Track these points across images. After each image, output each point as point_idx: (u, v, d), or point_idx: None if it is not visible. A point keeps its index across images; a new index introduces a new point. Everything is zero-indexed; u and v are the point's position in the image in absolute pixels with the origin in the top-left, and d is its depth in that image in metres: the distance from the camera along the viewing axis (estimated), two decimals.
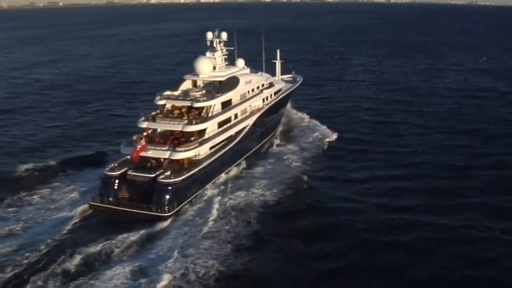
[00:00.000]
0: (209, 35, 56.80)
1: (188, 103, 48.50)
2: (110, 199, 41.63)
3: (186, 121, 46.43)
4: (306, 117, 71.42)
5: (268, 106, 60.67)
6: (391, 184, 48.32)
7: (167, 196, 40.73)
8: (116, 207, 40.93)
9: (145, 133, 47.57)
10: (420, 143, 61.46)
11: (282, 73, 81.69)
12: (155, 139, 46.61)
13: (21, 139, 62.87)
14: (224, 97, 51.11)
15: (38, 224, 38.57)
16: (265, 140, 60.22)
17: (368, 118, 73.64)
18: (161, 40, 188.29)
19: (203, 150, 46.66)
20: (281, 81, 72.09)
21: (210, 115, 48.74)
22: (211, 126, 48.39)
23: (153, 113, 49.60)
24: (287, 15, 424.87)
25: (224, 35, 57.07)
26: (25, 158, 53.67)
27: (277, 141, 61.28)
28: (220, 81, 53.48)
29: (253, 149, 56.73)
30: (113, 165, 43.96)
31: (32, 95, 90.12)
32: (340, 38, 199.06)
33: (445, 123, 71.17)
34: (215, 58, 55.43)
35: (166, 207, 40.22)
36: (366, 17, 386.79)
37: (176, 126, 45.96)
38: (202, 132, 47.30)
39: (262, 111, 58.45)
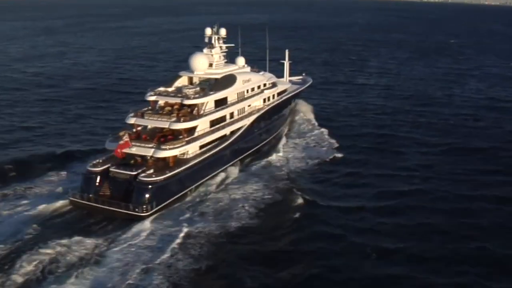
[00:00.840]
0: (208, 31, 56.01)
1: (178, 100, 47.75)
2: (90, 195, 41.08)
3: (174, 119, 45.70)
4: (312, 121, 69.17)
5: (269, 107, 59.53)
6: (377, 219, 40.99)
7: (147, 195, 39.96)
8: (95, 204, 40.39)
9: (134, 130, 47.31)
10: (422, 165, 54.31)
11: (293, 73, 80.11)
12: (142, 135, 46.17)
13: (10, 131, 62.61)
14: (218, 95, 50.16)
15: (10, 217, 38.39)
16: (264, 142, 58.95)
17: (371, 130, 68.16)
18: (175, 34, 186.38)
19: (192, 149, 45.86)
20: (287, 82, 70.81)
21: (201, 113, 48.05)
22: (202, 124, 47.55)
23: (144, 109, 49.29)
24: (316, 11, 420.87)
25: (223, 32, 56.12)
26: (13, 150, 53.95)
27: (279, 143, 59.56)
28: (216, 79, 52.62)
29: (250, 151, 55.62)
30: (96, 161, 43.47)
31: (26, 88, 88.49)
32: (361, 37, 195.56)
33: (455, 139, 64.49)
34: (212, 55, 54.61)
35: (145, 206, 39.44)
36: (394, 16, 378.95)
37: (164, 123, 45.19)
38: (192, 130, 46.54)
39: (261, 112, 57.32)
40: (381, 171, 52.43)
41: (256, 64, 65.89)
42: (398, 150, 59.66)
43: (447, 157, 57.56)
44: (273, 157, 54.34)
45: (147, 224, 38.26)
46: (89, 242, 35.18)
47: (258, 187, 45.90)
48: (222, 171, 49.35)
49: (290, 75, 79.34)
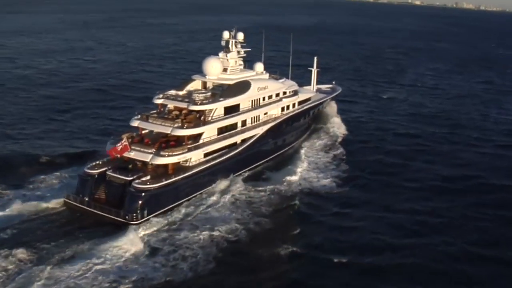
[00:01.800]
0: (226, 34, 54.64)
1: (184, 105, 46.63)
2: (85, 198, 40.61)
3: (177, 124, 44.58)
4: (335, 136, 65.44)
5: (287, 116, 57.55)
6: (357, 279, 35.31)
7: (139, 203, 38.99)
8: (87, 208, 39.84)
9: (139, 133, 46.54)
10: (436, 208, 46.05)
11: (323, 81, 78.20)
12: (145, 139, 45.34)
13: (17, 128, 62.59)
14: (229, 102, 48.71)
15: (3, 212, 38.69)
16: (279, 152, 56.96)
17: (384, 157, 59.97)
18: (209, 33, 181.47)
19: (196, 156, 44.65)
20: (312, 91, 68.48)
21: (209, 119, 46.75)
22: (208, 131, 46.26)
23: (152, 112, 48.52)
24: (364, 15, 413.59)
25: (240, 36, 54.59)
26: (17, 145, 54.38)
27: (292, 157, 56.89)
28: (228, 85, 51.17)
29: (262, 161, 53.86)
30: (95, 163, 42.90)
31: (38, 84, 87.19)
32: (404, 44, 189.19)
33: (481, 171, 56.05)
34: (227, 60, 53.21)
35: (134, 214, 38.46)
36: (446, 24, 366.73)
37: (166, 129, 44.09)
38: (197, 137, 45.36)
39: (278, 121, 55.46)
40: (377, 213, 44.63)
41: (282, 70, 64.02)
42: (413, 187, 51.33)
43: (460, 199, 48.72)
44: (281, 172, 51.75)
45: (131, 235, 36.52)
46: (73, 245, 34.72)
47: (256, 202, 44.17)
48: (226, 180, 47.77)
49: (320, 83, 77.09)
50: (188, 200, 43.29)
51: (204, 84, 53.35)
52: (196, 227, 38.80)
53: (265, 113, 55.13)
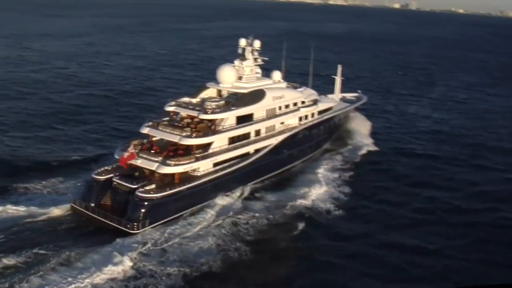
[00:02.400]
0: (242, 41, 53.92)
1: (195, 113, 46.12)
2: (91, 204, 40.68)
3: (186, 133, 44.03)
4: (357, 149, 62.09)
5: (305, 126, 56.23)
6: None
7: (141, 212, 38.61)
8: (91, 214, 39.82)
9: (149, 140, 46.37)
10: (442, 246, 40.51)
11: (349, 90, 77.01)
12: (154, 147, 45.02)
13: (28, 133, 62.53)
14: (241, 111, 47.87)
15: (9, 214, 39.06)
16: (294, 163, 55.40)
17: (398, 182, 54.03)
18: (235, 39, 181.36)
19: (204, 166, 43.96)
20: (333, 100, 66.87)
21: (219, 128, 46.05)
22: (218, 141, 45.55)
23: (163, 119, 48.28)
24: (404, 23, 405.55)
25: (256, 44, 53.73)
26: (29, 150, 54.94)
27: (307, 170, 54.59)
28: (242, 94, 50.33)
29: (276, 171, 52.57)
30: (102, 169, 42.88)
31: (51, 88, 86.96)
32: (439, 54, 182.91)
33: (504, 203, 49.47)
34: (243, 68, 52.49)
35: (135, 223, 38.05)
36: (487, 33, 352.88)
37: (174, 137, 43.59)
38: (206, 146, 44.72)
39: (294, 131, 54.24)
40: (373, 250, 39.57)
41: (304, 79, 62.51)
42: (410, 218, 45.64)
43: (474, 236, 42.35)
44: (294, 186, 49.97)
45: (129, 245, 36.10)
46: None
47: (258, 215, 42.70)
48: (235, 191, 46.81)
49: (346, 92, 75.91)
50: (194, 209, 42.48)
51: (219, 92, 52.77)
52: (194, 238, 37.79)
53: (282, 123, 54.07)
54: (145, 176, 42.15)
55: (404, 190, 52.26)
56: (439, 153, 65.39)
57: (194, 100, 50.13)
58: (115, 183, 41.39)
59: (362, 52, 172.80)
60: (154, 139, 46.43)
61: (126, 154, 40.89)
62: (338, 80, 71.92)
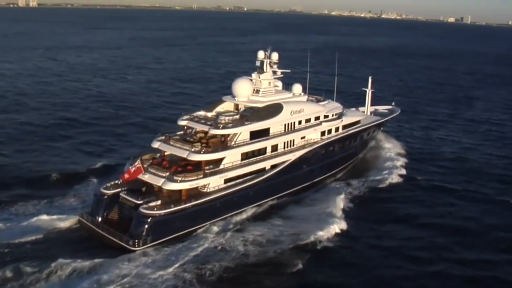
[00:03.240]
0: (260, 54, 52.81)
1: (206, 128, 45.29)
2: (98, 218, 40.57)
3: (195, 148, 43.16)
4: (386, 166, 59.05)
5: (327, 141, 54.10)
6: None
7: (143, 228, 37.95)
8: (95, 228, 39.63)
9: (159, 154, 46.08)
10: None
11: (383, 102, 74.91)
12: (163, 162, 44.54)
13: (40, 145, 64.36)
14: (255, 126, 46.49)
15: (16, 226, 39.80)
16: (315, 180, 53.34)
17: (401, 224, 46.74)
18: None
19: (215, 183, 42.92)
20: (361, 113, 64.32)
21: (232, 144, 44.96)
22: (230, 157, 44.40)
23: (177, 133, 47.77)
24: (455, 37, 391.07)
25: (274, 56, 52.49)
26: (39, 163, 55.98)
27: (328, 187, 52.91)
28: (257, 108, 49.02)
29: (294, 188, 50.68)
30: (112, 183, 42.79)
31: (70, 101, 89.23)
32: (484, 70, 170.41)
33: None
34: (260, 81, 51.30)
35: (137, 240, 37.38)
36: None
37: (183, 152, 42.78)
38: (218, 161, 43.69)
39: (314, 146, 52.30)
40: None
41: (331, 94, 61.01)
42: (409, 270, 38.95)
43: None
44: (309, 205, 47.86)
45: (125, 264, 35.33)
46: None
47: (264, 241, 40.46)
48: (249, 208, 45.49)
49: (379, 104, 74.15)
50: (203, 227, 41.52)
51: (236, 106, 51.72)
52: (196, 260, 36.56)
53: (302, 138, 52.32)
54: (153, 192, 41.59)
55: (406, 235, 43.81)
56: (460, 186, 56.62)
57: (209, 114, 49.44)
58: (121, 198, 41.14)
59: (401, 67, 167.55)
60: (165, 153, 46.13)
61: (132, 169, 40.61)
62: (368, 92, 69.46)
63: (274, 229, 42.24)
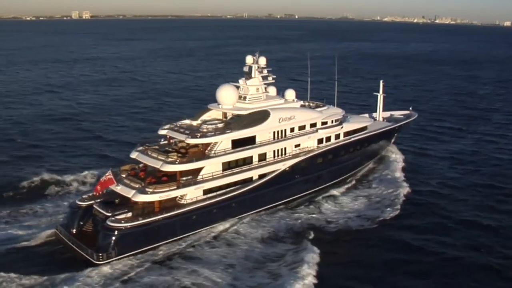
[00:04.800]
0: (249, 59, 51.28)
1: (183, 137, 44.23)
2: (73, 230, 40.13)
3: (171, 159, 42.03)
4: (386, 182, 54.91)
5: (325, 149, 51.81)
6: None
7: (108, 242, 37.13)
8: (67, 241, 39.19)
9: (140, 165, 45.41)
10: None
11: (397, 108, 71.83)
12: (139, 173, 43.83)
13: (26, 153, 65.65)
14: (237, 134, 44.96)
15: None
16: (309, 192, 50.95)
17: (394, 251, 41.12)
18: (301, 61, 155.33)
19: (192, 194, 41.73)
20: (368, 119, 61.45)
21: (212, 153, 43.65)
22: (210, 167, 43.11)
23: (161, 143, 47.04)
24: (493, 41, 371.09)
25: (262, 61, 50.71)
26: (20, 172, 56.36)
27: (321, 201, 49.76)
28: (241, 116, 47.52)
29: (286, 199, 48.82)
30: (88, 195, 42.37)
31: (63, 115, 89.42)
32: None
33: None
34: (247, 87, 49.84)
35: (101, 254, 36.58)
36: None
37: (156, 163, 41.82)
38: (195, 172, 42.50)
39: (309, 155, 50.16)
40: None
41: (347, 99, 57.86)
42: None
43: None
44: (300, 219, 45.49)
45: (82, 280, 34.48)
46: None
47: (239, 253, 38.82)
48: (230, 221, 43.85)
49: (397, 109, 71.72)
50: (177, 240, 40.30)
51: (225, 114, 50.55)
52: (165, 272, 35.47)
53: (297, 146, 50.31)
54: (128, 204, 40.72)
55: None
56: (473, 218, 47.81)
57: (194, 123, 48.40)
58: (94, 209, 40.64)
59: (428, 74, 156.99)
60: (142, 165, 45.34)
61: (103, 180, 40.18)
62: (380, 97, 66.55)
63: (251, 242, 40.55)
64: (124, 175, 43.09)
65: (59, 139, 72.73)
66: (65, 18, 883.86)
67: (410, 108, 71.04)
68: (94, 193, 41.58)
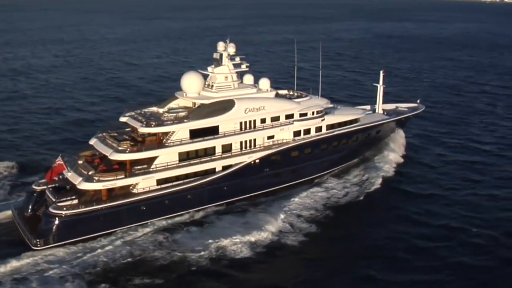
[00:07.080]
0: (220, 45, 50.09)
1: (138, 125, 44.17)
2: (25, 214, 41.09)
3: (122, 147, 42.08)
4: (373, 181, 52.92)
5: (301, 142, 50.64)
6: None
7: (48, 228, 37.95)
8: (16, 224, 40.36)
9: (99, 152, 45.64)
10: None
11: (406, 100, 69.28)
12: (95, 160, 44.26)
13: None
14: (196, 124, 44.53)
15: None
16: (282, 185, 50.05)
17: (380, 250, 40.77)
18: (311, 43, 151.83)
19: (144, 184, 41.82)
20: (360, 111, 59.48)
21: (169, 143, 43.53)
22: (165, 156, 43.05)
23: (127, 129, 47.12)
24: None
25: (231, 49, 49.24)
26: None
27: (294, 196, 48.27)
28: (203, 104, 46.98)
29: (253, 193, 48.10)
30: (45, 180, 43.25)
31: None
32: None
33: None
34: (215, 75, 49.02)
35: (38, 240, 37.46)
36: None
37: (107, 151, 42.03)
38: (149, 161, 42.54)
39: (281, 148, 49.19)
40: None
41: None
42: None
43: None
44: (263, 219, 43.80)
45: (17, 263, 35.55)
46: None
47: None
48: (185, 214, 43.87)
49: (405, 101, 69.29)
50: (120, 230, 40.52)
51: (194, 102, 50.10)
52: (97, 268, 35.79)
53: (270, 138, 49.40)
54: (78, 190, 41.24)
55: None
56: (455, 220, 45.71)
57: (161, 110, 48.28)
58: (46, 195, 41.56)
59: (449, 61, 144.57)
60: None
61: (53, 166, 40.95)
62: (380, 88, 64.07)
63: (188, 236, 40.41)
64: (81, 161, 43.71)
65: (31, 124, 74.47)
66: None
67: (418, 101, 67.88)
68: (45, 180, 42.44)
